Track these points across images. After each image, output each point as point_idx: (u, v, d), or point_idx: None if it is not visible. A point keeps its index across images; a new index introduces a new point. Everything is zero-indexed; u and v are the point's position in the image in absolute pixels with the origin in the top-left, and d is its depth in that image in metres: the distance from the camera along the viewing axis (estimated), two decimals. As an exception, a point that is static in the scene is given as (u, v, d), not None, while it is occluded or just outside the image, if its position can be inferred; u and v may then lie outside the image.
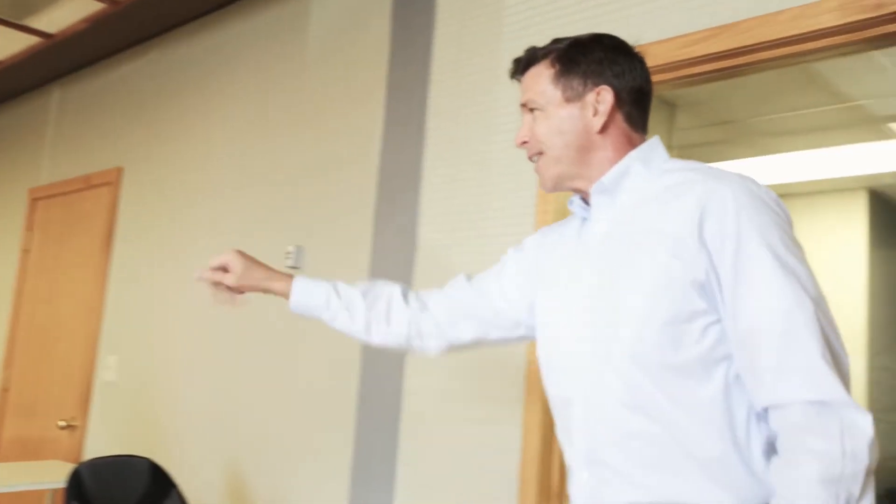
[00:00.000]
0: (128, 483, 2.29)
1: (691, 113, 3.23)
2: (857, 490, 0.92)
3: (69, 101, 4.25)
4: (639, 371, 1.08)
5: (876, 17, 1.53)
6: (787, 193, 4.03)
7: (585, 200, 1.26)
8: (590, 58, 1.20)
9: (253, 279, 1.45)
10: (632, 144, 1.21)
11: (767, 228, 1.03)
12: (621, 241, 1.16)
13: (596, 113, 1.19)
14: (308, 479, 2.54)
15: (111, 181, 3.74)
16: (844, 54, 1.71)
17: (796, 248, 1.05)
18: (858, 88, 2.93)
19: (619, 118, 1.21)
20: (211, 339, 3.03)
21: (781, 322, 0.99)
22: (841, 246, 4.49)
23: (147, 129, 3.62)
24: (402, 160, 2.45)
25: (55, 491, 2.81)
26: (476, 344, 1.45)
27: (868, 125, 3.35)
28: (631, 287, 1.11)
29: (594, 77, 1.19)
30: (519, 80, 1.28)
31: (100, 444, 3.44)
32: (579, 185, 1.23)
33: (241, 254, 1.46)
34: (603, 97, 1.19)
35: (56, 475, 2.74)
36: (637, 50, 1.25)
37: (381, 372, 2.38)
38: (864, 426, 0.94)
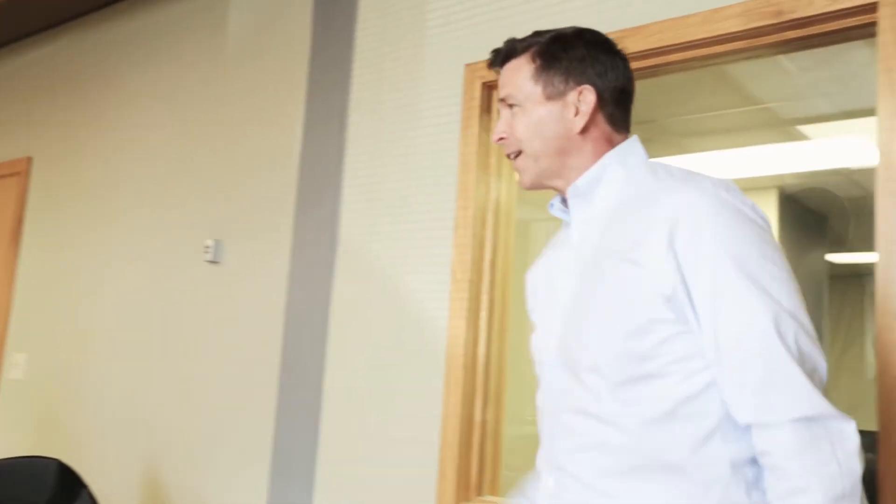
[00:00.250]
0: (33, 485, 2.20)
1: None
2: (857, 501, 0.95)
3: (-26, 87, 4.05)
4: (600, 380, 1.07)
5: (776, 24, 1.60)
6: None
7: (566, 202, 1.24)
8: (571, 54, 1.17)
9: None
10: (612, 145, 1.19)
11: (740, 242, 1.02)
12: (594, 248, 1.14)
13: (577, 113, 1.16)
14: (226, 475, 2.50)
15: (20, 171, 3.58)
16: (751, 58, 1.78)
17: (774, 253, 1.04)
18: (767, 91, 3.05)
19: (601, 119, 1.18)
20: (125, 336, 2.95)
21: (758, 341, 0.98)
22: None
23: (58, 118, 3.48)
24: (323, 154, 2.43)
25: (-44, 495, 2.68)
26: None
27: (777, 127, 3.50)
28: (597, 296, 1.10)
29: (576, 75, 1.16)
30: (497, 72, 1.25)
31: (6, 445, 3.30)
32: (558, 184, 1.21)
33: None
34: (585, 97, 1.16)
35: (-43, 479, 2.60)
36: (620, 48, 1.22)
37: (301, 367, 2.36)
38: (849, 433, 0.96)
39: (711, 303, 1.01)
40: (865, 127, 3.32)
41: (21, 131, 3.67)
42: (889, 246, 1.43)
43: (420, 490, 2.02)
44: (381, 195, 2.27)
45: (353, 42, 2.43)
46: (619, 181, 1.16)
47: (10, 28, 3.63)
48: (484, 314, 2.04)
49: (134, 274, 2.97)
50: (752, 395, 0.99)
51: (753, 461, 1.02)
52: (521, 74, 1.19)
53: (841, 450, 0.95)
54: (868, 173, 3.93)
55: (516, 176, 1.25)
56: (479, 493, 1.99)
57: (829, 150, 3.73)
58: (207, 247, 2.67)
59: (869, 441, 1.13)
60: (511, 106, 1.21)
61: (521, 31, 2.00)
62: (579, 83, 1.16)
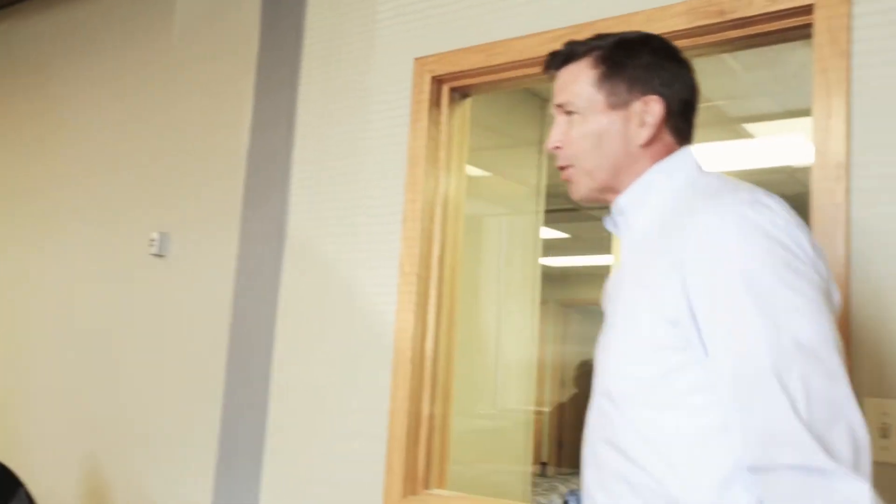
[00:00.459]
0: (-34, 485, 2.13)
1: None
2: None
3: None
4: (613, 408, 1.03)
5: (719, 23, 1.63)
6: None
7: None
8: (637, 62, 1.10)
9: None
10: None
11: (755, 267, 0.91)
12: (626, 271, 1.09)
13: (643, 124, 1.09)
14: (171, 474, 2.46)
15: (-45, 161, 3.45)
16: (696, 56, 1.81)
17: (796, 279, 0.91)
18: (713, 90, 3.11)
19: (666, 132, 1.11)
20: (66, 331, 2.87)
21: (756, 377, 0.89)
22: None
23: (-3, 106, 3.37)
24: (271, 148, 2.40)
25: None
26: None
27: (722, 125, 3.57)
28: (616, 321, 1.06)
29: (641, 84, 1.09)
30: (553, 76, 1.17)
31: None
32: (610, 198, 1.14)
33: None
34: (651, 108, 1.09)
35: None
36: (684, 56, 1.15)
37: (248, 361, 2.33)
38: (852, 495, 0.82)
39: (710, 329, 0.94)
40: (806, 126, 3.41)
41: (-43, 119, 3.55)
42: (823, 242, 1.47)
43: (367, 484, 2.02)
44: (329, 189, 2.25)
45: (302, 34, 2.40)
46: (666, 193, 1.08)
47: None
48: (432, 308, 2.03)
49: (77, 267, 2.89)
50: (753, 433, 0.90)
51: None
52: (581, 80, 1.12)
53: None
54: (808, 171, 4.03)
55: (569, 186, 1.16)
56: (427, 486, 1.99)
57: (772, 148, 3.82)
58: (153, 240, 2.62)
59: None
60: (569, 113, 1.13)
61: (472, 27, 2.02)
62: (644, 92, 1.09)
